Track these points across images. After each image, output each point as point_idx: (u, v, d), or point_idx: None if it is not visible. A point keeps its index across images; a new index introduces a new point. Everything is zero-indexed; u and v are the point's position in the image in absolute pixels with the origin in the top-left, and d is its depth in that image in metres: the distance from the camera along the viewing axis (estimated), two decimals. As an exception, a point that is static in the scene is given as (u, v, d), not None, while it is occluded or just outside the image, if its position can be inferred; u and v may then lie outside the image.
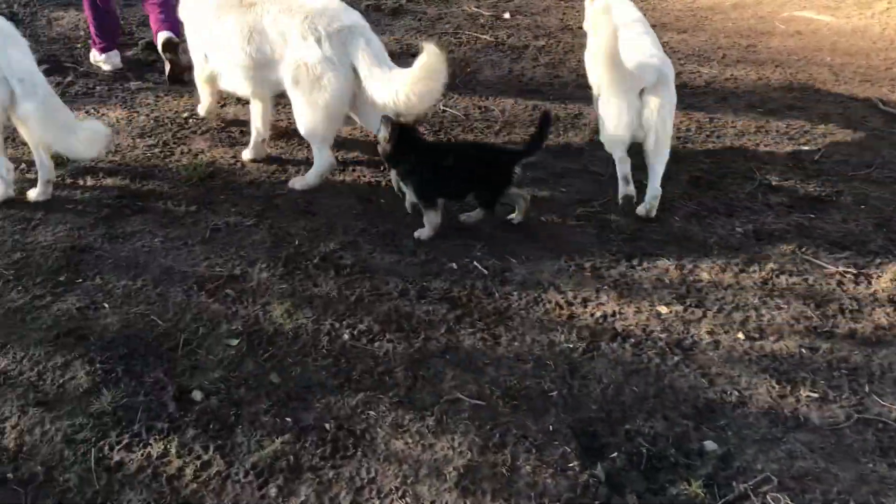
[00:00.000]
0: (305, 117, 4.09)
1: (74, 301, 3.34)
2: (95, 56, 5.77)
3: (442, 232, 3.85)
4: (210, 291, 3.43)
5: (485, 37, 6.50)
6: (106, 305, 3.32)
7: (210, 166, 4.43)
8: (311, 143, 4.25)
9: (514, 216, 3.94)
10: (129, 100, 5.27)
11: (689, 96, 5.46)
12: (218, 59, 4.33)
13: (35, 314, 3.26)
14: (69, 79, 5.54)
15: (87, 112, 5.06)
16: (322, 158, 4.20)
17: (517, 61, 6.07)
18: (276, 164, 4.51)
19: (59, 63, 5.78)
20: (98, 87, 5.45)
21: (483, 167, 3.80)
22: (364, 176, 4.39)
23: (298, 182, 4.25)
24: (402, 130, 3.73)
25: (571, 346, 3.16)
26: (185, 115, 5.05)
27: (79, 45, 6.13)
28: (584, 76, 5.67)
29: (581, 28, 6.47)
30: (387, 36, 6.43)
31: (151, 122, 4.97)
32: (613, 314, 3.35)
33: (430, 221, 3.82)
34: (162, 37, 5.30)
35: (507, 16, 6.92)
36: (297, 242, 3.78)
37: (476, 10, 7.15)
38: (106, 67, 5.71)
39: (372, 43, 3.96)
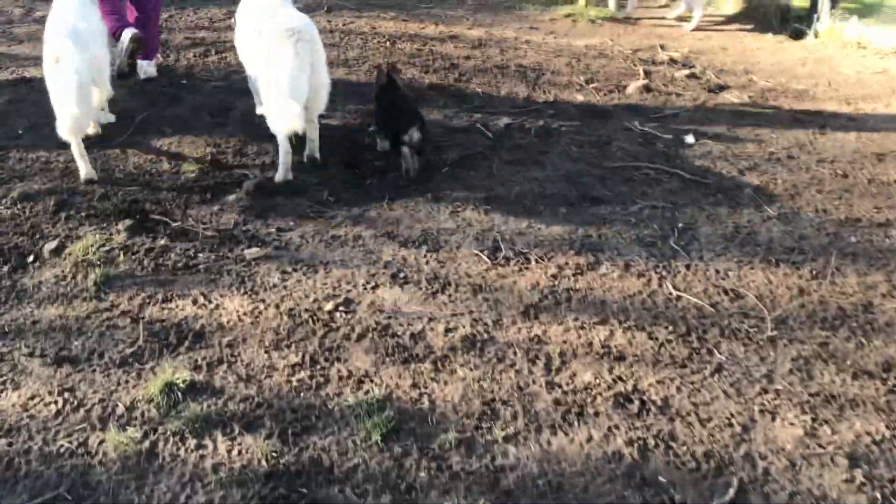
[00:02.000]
0: None
1: None
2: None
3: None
4: None
5: (677, 171, 5.06)
6: None
7: (389, 408, 3.05)
8: None
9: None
10: (246, 278, 3.93)
11: None
12: None
13: None
14: (161, 241, 4.23)
15: (194, 301, 3.73)
16: None
17: (736, 209, 4.59)
18: (480, 397, 3.13)
19: (145, 215, 4.50)
20: (201, 256, 4.13)
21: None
22: (618, 430, 2.99)
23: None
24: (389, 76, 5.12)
25: None
26: (329, 306, 3.70)
27: (164, 186, 4.87)
28: (849, 231, 4.35)
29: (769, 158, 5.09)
30: (554, 170, 5.09)
31: (285, 318, 3.62)
32: None
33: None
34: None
35: (690, 139, 5.51)
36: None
37: (640, 129, 5.73)
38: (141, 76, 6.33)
39: None
